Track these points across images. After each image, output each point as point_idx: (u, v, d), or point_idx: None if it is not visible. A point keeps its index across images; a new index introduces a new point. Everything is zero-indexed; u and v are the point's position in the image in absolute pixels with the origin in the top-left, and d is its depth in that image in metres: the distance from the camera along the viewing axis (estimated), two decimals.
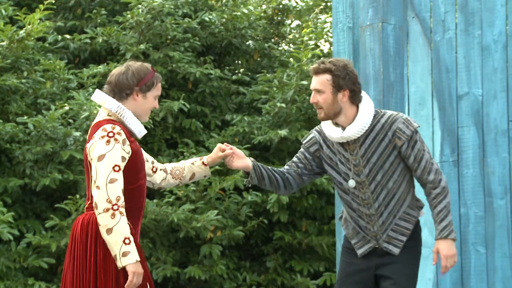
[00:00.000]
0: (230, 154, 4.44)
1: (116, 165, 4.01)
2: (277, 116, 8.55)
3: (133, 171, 4.11)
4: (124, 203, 4.00)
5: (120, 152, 4.04)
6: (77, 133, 7.64)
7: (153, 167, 4.45)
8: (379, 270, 4.35)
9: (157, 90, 4.23)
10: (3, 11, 8.46)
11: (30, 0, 9.30)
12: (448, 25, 5.75)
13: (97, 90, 4.21)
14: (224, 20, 9.27)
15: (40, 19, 8.13)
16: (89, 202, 4.12)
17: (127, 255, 3.96)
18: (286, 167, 4.49)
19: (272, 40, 10.25)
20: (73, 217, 7.42)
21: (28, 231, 7.64)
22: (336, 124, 4.32)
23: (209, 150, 8.24)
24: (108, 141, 4.02)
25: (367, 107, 4.29)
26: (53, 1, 8.54)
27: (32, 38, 8.11)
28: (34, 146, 7.61)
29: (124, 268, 3.98)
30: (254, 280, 8.18)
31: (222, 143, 4.56)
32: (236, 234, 7.90)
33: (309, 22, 10.41)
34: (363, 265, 4.37)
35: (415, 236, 4.38)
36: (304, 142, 4.48)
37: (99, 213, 3.96)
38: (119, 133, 4.05)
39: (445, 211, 4.25)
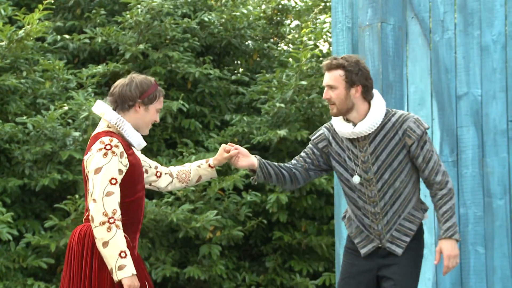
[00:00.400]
0: (235, 155, 4.45)
1: (113, 178, 4.01)
2: (276, 116, 8.55)
3: (130, 184, 4.11)
4: (120, 216, 4.00)
5: (117, 165, 4.03)
6: (76, 133, 7.64)
7: (157, 172, 4.46)
8: (381, 271, 4.35)
9: (159, 104, 4.24)
10: (2, 11, 8.46)
11: (29, 0, 9.30)
12: (447, 25, 5.75)
13: (98, 101, 4.22)
14: (223, 20, 9.28)
15: (39, 19, 8.13)
16: (87, 213, 4.12)
17: (123, 268, 3.96)
18: (293, 161, 4.51)
19: (271, 40, 10.26)
20: (72, 217, 7.42)
21: (27, 231, 7.64)
22: (347, 120, 4.34)
23: (208, 150, 8.25)
24: (105, 154, 4.02)
25: (379, 105, 4.31)
26: (52, 1, 8.54)
27: (31, 38, 8.11)
28: (33, 146, 7.60)
29: (120, 281, 3.99)
30: (253, 280, 8.19)
31: (225, 143, 4.56)
32: (235, 234, 7.90)
33: (308, 22, 10.42)
34: (366, 266, 4.38)
35: (418, 238, 4.39)
36: (313, 138, 4.49)
37: (95, 226, 3.97)
38: (116, 146, 4.05)
39: (450, 212, 4.27)
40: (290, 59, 8.74)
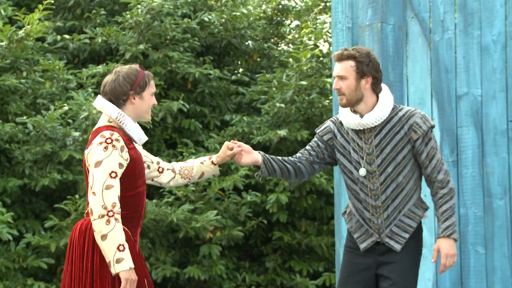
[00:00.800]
0: (238, 152, 4.47)
1: (112, 172, 4.02)
2: (276, 116, 8.55)
3: (131, 178, 4.12)
4: (120, 209, 4.01)
5: (117, 158, 4.05)
6: (76, 133, 7.64)
7: (159, 167, 4.47)
8: (379, 269, 4.36)
9: (151, 88, 4.25)
10: (3, 11, 8.46)
11: (29, 0, 9.30)
12: (447, 25, 5.75)
13: (98, 96, 4.23)
14: (223, 20, 9.27)
15: (39, 19, 8.13)
16: (88, 208, 4.13)
17: (120, 261, 3.97)
18: (298, 154, 4.53)
19: (272, 40, 10.26)
20: (72, 217, 7.42)
21: (27, 231, 7.64)
22: (355, 112, 4.37)
23: (208, 150, 8.25)
24: (105, 147, 4.04)
25: (387, 98, 4.35)
26: (52, 1, 8.54)
27: (31, 38, 8.11)
28: (33, 146, 7.60)
29: (118, 275, 3.99)
30: (253, 280, 8.18)
31: (229, 141, 4.57)
32: (235, 234, 7.90)
33: (308, 22, 10.42)
34: (365, 264, 4.39)
35: (417, 236, 4.39)
36: (318, 131, 4.52)
37: (94, 219, 3.98)
38: (117, 140, 4.06)
39: (450, 212, 4.28)
40: (290, 59, 8.74)
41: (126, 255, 3.98)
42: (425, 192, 5.18)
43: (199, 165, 4.53)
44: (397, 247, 4.33)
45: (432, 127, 4.33)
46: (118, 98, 4.17)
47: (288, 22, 10.58)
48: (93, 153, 4.05)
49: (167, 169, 4.49)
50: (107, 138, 4.05)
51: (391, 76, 5.78)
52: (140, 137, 4.22)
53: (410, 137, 4.30)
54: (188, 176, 4.52)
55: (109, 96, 4.19)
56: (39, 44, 8.56)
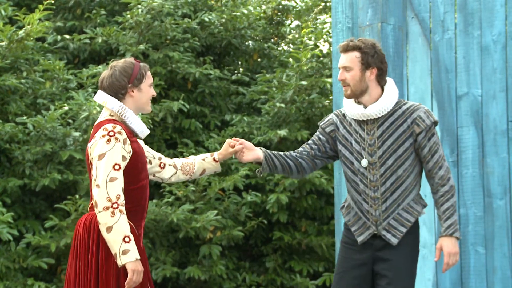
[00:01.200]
0: (240, 150, 4.49)
1: (116, 164, 4.03)
2: (277, 116, 8.55)
3: (134, 171, 4.14)
4: (124, 201, 4.02)
5: (120, 151, 4.06)
6: (77, 133, 7.64)
7: (161, 163, 4.49)
8: (376, 265, 4.35)
9: (149, 79, 4.27)
10: (3, 11, 8.46)
11: (30, 0, 9.30)
12: (448, 25, 5.75)
13: (99, 91, 4.25)
14: (223, 20, 9.27)
15: (39, 19, 8.13)
16: (91, 201, 4.14)
17: (126, 253, 3.97)
18: (300, 149, 4.55)
19: (272, 40, 10.26)
20: (72, 217, 7.42)
21: (27, 231, 7.64)
22: (359, 103, 4.39)
23: (208, 150, 8.25)
24: (108, 140, 4.05)
25: (392, 91, 4.38)
26: (53, 1, 8.54)
27: (32, 38, 8.11)
28: (33, 146, 7.60)
29: (124, 266, 3.99)
30: (253, 280, 8.18)
31: (231, 138, 4.57)
32: (235, 234, 7.90)
33: (309, 22, 10.42)
34: (361, 260, 4.38)
35: (414, 233, 4.39)
36: (321, 123, 4.55)
37: (99, 212, 3.98)
38: (119, 133, 4.08)
39: (452, 210, 4.29)
40: (290, 59, 8.74)
41: (132, 246, 3.99)
42: (425, 192, 5.18)
43: (201, 162, 4.55)
44: (394, 240, 4.33)
45: (436, 122, 4.35)
46: (117, 92, 4.20)
47: (288, 22, 10.58)
48: (96, 146, 4.07)
49: (169, 165, 4.50)
50: (109, 131, 4.07)
51: (391, 76, 5.78)
52: (142, 129, 4.25)
53: (413, 130, 4.32)
54: (190, 172, 4.54)
55: (107, 91, 4.21)
56: (39, 44, 8.56)
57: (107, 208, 3.97)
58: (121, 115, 4.17)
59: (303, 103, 8.52)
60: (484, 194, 5.57)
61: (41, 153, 7.60)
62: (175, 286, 8.07)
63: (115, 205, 3.98)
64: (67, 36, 8.95)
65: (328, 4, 10.77)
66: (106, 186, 3.99)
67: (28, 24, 8.01)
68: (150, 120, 7.94)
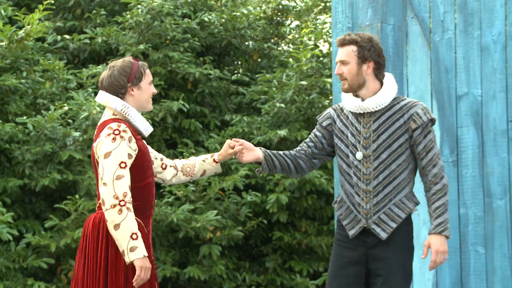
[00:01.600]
0: (240, 150, 4.50)
1: (122, 162, 4.05)
2: (277, 116, 8.55)
3: (140, 169, 4.16)
4: (131, 199, 4.04)
5: (126, 149, 4.08)
6: (77, 133, 7.64)
7: (163, 164, 4.50)
8: (370, 264, 4.35)
9: (148, 77, 4.29)
10: (3, 11, 8.46)
11: (30, 0, 9.30)
12: (447, 25, 5.75)
13: (100, 91, 4.26)
14: (223, 20, 9.27)
15: (39, 19, 8.13)
16: (99, 200, 4.15)
17: (134, 250, 3.99)
18: (298, 148, 4.57)
19: (272, 40, 10.26)
20: (72, 217, 7.42)
21: (27, 231, 7.64)
22: (357, 97, 4.40)
23: (208, 150, 8.25)
24: (114, 139, 4.07)
25: (390, 86, 4.39)
26: (53, 1, 8.54)
27: (32, 38, 8.11)
28: (33, 146, 7.60)
29: (132, 264, 4.01)
30: (253, 280, 8.18)
31: (231, 138, 4.58)
32: (235, 234, 7.90)
33: (309, 23, 10.43)
34: (354, 258, 4.37)
35: (406, 230, 4.38)
36: (319, 118, 4.57)
37: (106, 209, 4.01)
38: (124, 131, 4.10)
39: (443, 208, 4.28)
40: (290, 59, 8.74)
41: (140, 243, 4.01)
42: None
43: (201, 163, 4.56)
44: (383, 235, 4.32)
45: (433, 120, 4.34)
46: (117, 92, 4.22)
47: (288, 22, 10.58)
48: (101, 144, 4.09)
49: (170, 166, 4.52)
50: (114, 130, 4.09)
51: None
52: (146, 127, 4.28)
53: (409, 126, 4.32)
54: (190, 174, 4.55)
55: (108, 91, 4.23)
56: (39, 44, 8.56)
57: (114, 206, 4.00)
58: (125, 114, 4.20)
59: (303, 103, 8.52)
60: (484, 194, 5.56)
61: (41, 153, 7.60)
62: (175, 286, 8.07)
63: (122, 203, 4.00)
64: (67, 36, 8.95)
65: (328, 4, 10.77)
66: (113, 184, 4.01)
67: (28, 24, 8.01)
68: (150, 120, 7.95)
